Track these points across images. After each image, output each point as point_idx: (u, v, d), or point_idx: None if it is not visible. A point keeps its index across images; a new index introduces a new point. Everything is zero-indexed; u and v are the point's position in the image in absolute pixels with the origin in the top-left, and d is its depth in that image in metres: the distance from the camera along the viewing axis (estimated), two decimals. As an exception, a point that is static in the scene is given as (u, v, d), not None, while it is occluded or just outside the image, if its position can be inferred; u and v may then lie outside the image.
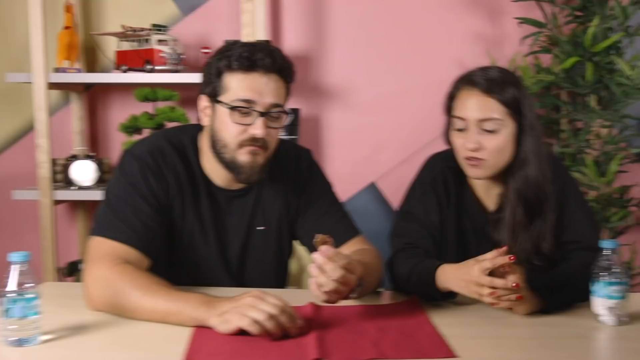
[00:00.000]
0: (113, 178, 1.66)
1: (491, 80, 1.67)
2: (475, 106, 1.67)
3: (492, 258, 1.44)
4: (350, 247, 1.70)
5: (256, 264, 1.77)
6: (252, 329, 1.29)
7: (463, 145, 1.69)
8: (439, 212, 1.76)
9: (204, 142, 1.69)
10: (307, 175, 1.79)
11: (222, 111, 1.60)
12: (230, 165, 1.63)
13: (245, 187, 1.72)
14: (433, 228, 1.75)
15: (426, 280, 1.57)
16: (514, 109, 1.67)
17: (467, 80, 1.71)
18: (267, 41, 2.75)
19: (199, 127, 1.71)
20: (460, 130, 1.70)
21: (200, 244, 1.70)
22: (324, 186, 1.82)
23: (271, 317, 1.30)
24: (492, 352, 1.30)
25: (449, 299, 1.58)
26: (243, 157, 1.60)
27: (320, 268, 1.37)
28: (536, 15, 2.77)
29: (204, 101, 1.65)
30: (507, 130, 1.67)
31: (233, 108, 1.57)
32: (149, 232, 1.59)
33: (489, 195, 1.78)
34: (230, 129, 1.59)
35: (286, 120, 1.66)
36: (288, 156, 1.79)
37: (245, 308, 1.31)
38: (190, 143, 1.71)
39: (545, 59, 2.86)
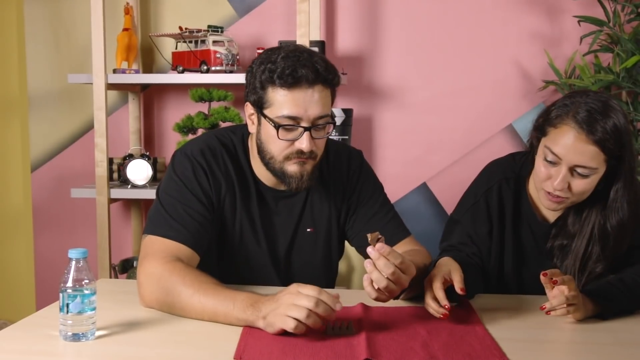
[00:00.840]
0: (165, 177, 1.69)
1: (597, 123, 1.54)
2: (575, 151, 1.55)
3: (443, 282, 1.44)
4: (401, 248, 1.69)
5: (304, 265, 1.77)
6: (296, 330, 1.29)
7: (548, 178, 1.61)
8: (488, 223, 1.73)
9: (252, 145, 1.70)
10: (358, 176, 1.79)
11: (268, 125, 1.58)
12: (279, 175, 1.63)
13: None
14: (477, 239, 1.73)
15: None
16: (613, 156, 1.57)
17: (572, 117, 1.56)
18: (321, 42, 2.76)
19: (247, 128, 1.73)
20: (549, 162, 1.61)
21: (250, 242, 1.71)
22: (375, 187, 1.81)
23: (310, 312, 1.29)
24: (544, 357, 1.27)
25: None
26: (291, 167, 1.61)
27: (373, 264, 1.37)
28: (596, 13, 2.70)
29: (249, 108, 1.65)
30: (597, 175, 1.59)
31: (278, 126, 1.56)
32: (201, 229, 1.61)
33: None
34: (277, 143, 1.59)
35: (332, 129, 1.64)
36: (339, 158, 1.78)
37: (284, 308, 1.31)
38: (240, 143, 1.72)
39: (605, 58, 2.79)
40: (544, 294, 1.49)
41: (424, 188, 3.02)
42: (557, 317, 1.47)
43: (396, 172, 2.98)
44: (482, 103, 2.96)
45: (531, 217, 1.75)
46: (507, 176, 1.76)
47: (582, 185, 1.59)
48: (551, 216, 1.74)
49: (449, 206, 2.93)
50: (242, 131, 1.74)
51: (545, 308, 1.44)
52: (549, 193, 1.62)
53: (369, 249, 1.38)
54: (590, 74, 2.66)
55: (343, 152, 1.81)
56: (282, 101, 1.55)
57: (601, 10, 2.67)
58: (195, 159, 1.65)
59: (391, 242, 1.69)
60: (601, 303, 1.48)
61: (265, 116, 1.58)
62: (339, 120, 2.77)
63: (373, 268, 1.38)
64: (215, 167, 1.66)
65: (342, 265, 2.93)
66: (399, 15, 2.97)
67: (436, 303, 1.42)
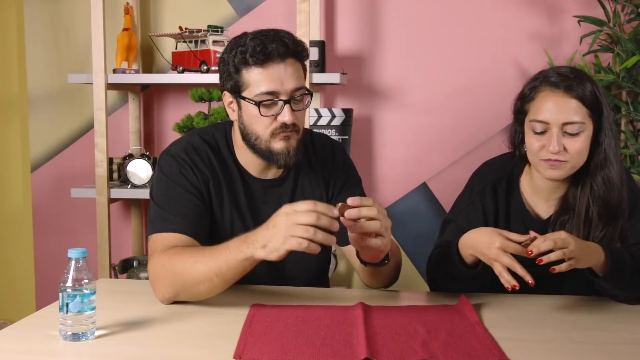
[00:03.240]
0: (154, 180, 1.73)
1: (570, 80, 1.61)
2: (558, 109, 1.60)
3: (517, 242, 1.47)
4: None
5: (295, 254, 1.76)
6: (302, 247, 1.32)
7: (543, 148, 1.63)
8: (482, 223, 1.74)
9: (236, 136, 1.74)
10: (342, 167, 1.84)
11: (249, 106, 1.63)
12: (266, 155, 1.67)
13: (280, 177, 1.76)
14: None
15: (448, 251, 1.61)
16: (595, 110, 1.61)
17: (546, 82, 1.63)
18: (321, 42, 2.76)
19: (230, 122, 1.77)
20: (539, 133, 1.63)
21: (240, 233, 1.72)
22: (357, 179, 1.87)
23: (315, 229, 1.31)
24: (544, 357, 1.27)
25: (471, 270, 1.60)
26: (277, 144, 1.65)
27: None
28: (596, 13, 2.70)
29: (227, 97, 1.69)
30: (587, 132, 1.62)
31: (259, 103, 1.60)
32: (197, 218, 1.64)
33: (548, 199, 1.74)
34: (260, 121, 1.63)
35: (309, 100, 1.69)
36: (323, 148, 1.84)
37: (285, 230, 1.33)
38: (223, 137, 1.76)
39: (605, 58, 2.79)
40: (542, 292, 1.49)
41: (424, 188, 3.02)
42: (556, 317, 1.47)
43: (396, 172, 2.97)
44: (482, 103, 2.96)
45: (525, 214, 1.75)
46: (499, 176, 1.78)
47: (576, 144, 1.61)
48: (544, 213, 1.75)
49: (449, 206, 2.92)
50: (224, 126, 1.79)
51: (531, 253, 1.44)
52: (547, 160, 1.63)
53: (349, 212, 1.39)
54: (590, 74, 2.66)
55: (327, 143, 1.86)
56: (258, 79, 1.60)
57: (601, 10, 2.67)
58: (180, 157, 1.70)
59: None
60: (607, 251, 1.51)
61: (244, 98, 1.63)
62: (339, 120, 2.77)
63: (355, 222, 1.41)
64: (200, 163, 1.70)
65: (342, 265, 2.93)
66: (399, 15, 2.97)
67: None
